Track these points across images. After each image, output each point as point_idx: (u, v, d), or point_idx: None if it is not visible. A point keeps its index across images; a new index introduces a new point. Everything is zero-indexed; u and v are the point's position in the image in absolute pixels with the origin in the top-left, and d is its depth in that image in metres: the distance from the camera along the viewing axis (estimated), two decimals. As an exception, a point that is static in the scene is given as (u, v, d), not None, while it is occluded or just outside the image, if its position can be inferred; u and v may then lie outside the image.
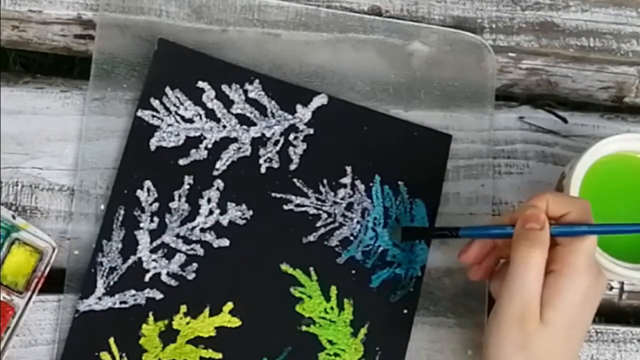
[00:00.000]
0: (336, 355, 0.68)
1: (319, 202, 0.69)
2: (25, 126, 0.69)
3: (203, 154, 0.69)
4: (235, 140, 0.70)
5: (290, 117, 0.70)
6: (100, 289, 0.67)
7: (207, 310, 0.67)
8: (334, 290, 0.69)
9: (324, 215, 0.69)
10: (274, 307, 0.68)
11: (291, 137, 0.70)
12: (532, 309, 0.60)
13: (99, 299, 0.67)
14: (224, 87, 0.70)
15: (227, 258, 0.68)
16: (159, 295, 0.67)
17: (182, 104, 0.70)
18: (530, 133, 0.73)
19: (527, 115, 0.74)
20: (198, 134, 0.69)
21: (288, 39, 0.72)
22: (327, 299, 0.68)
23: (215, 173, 0.69)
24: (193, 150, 0.69)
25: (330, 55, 0.72)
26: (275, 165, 0.70)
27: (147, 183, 0.68)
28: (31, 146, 0.69)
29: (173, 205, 0.68)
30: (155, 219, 0.68)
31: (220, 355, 0.67)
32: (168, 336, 0.67)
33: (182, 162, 0.69)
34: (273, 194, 0.69)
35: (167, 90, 0.70)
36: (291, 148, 0.70)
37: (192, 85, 0.70)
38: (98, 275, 0.67)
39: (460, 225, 0.66)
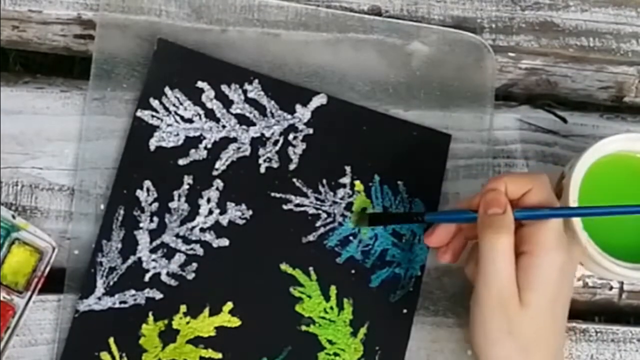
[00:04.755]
0: (336, 355, 0.68)
1: (318, 202, 0.69)
2: (25, 126, 0.69)
3: (202, 153, 0.69)
4: (234, 140, 0.70)
5: (289, 117, 0.70)
6: (100, 288, 0.67)
7: (207, 310, 0.67)
8: (333, 290, 0.69)
9: (324, 215, 0.69)
10: (273, 306, 0.68)
11: (290, 137, 0.70)
12: (510, 294, 0.60)
13: (99, 299, 0.67)
14: (224, 87, 0.70)
15: (227, 258, 0.68)
16: (158, 295, 0.67)
17: (181, 104, 0.70)
18: (530, 133, 0.73)
19: (526, 115, 0.74)
20: (197, 134, 0.69)
21: (288, 39, 0.72)
22: (327, 298, 0.68)
23: (215, 173, 0.69)
24: (192, 150, 0.69)
25: (330, 55, 0.72)
26: (275, 165, 0.70)
27: (147, 183, 0.68)
28: (31, 146, 0.69)
29: (173, 205, 0.68)
30: (155, 218, 0.68)
31: (220, 355, 0.67)
32: (168, 336, 0.67)
33: (181, 162, 0.69)
34: (272, 194, 0.69)
35: (167, 90, 0.70)
36: (290, 148, 0.70)
37: (191, 85, 0.70)
38: (98, 275, 0.67)
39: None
